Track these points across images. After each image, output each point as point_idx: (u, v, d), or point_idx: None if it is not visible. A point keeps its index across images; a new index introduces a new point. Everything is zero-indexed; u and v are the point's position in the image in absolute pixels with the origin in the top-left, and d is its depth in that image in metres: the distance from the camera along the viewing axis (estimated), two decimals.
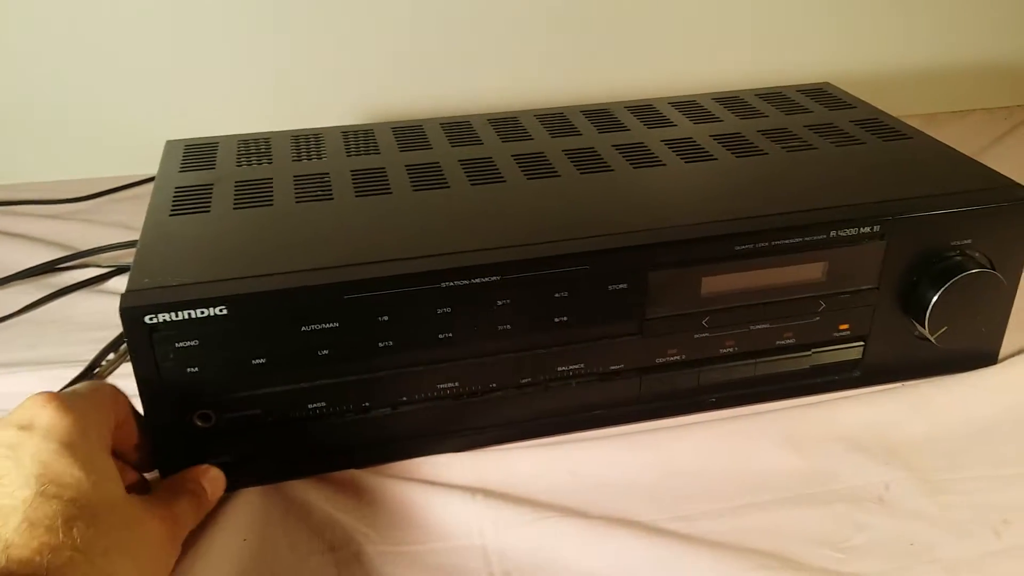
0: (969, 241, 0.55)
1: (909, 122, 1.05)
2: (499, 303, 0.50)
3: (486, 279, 0.49)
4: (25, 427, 0.40)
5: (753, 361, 0.56)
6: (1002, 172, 0.89)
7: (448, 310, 0.49)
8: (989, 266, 0.55)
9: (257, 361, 0.48)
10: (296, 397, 0.50)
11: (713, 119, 0.70)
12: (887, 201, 0.54)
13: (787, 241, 0.52)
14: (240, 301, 0.46)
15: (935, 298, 0.54)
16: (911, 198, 0.55)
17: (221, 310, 0.46)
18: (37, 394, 0.42)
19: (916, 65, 1.05)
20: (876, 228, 0.53)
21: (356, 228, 0.54)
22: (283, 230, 0.54)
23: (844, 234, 0.53)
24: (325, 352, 0.49)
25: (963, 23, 1.04)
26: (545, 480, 0.53)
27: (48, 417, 0.40)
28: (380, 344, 0.49)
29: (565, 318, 0.52)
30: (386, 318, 0.49)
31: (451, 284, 0.49)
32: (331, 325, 0.48)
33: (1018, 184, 0.57)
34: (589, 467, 0.54)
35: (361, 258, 0.49)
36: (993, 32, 1.05)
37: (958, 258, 0.55)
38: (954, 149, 0.63)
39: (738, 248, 0.52)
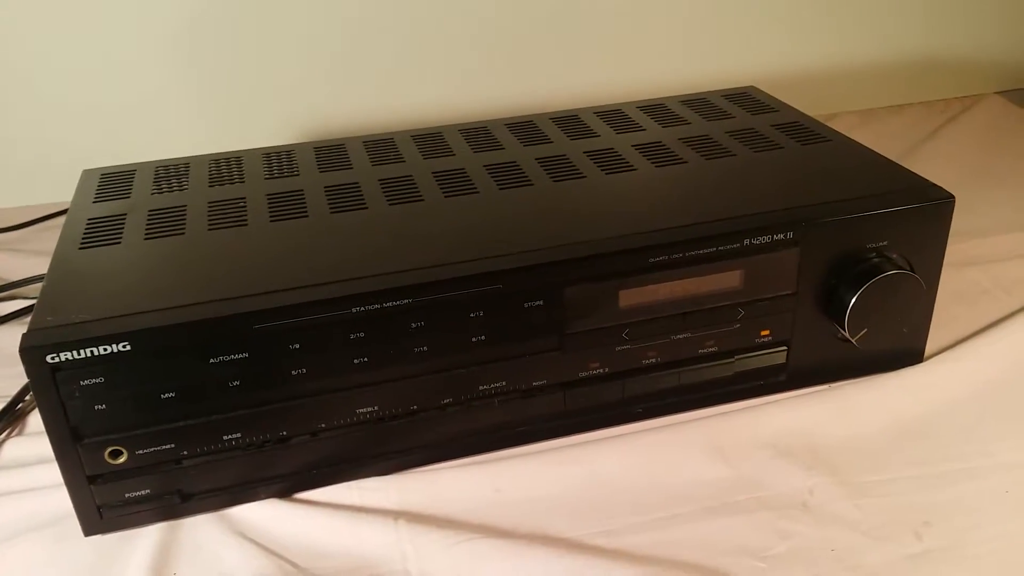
0: (885, 243, 0.55)
1: (846, 119, 1.07)
2: (413, 325, 0.50)
3: (398, 303, 0.49)
4: None
5: (676, 371, 0.56)
6: (936, 165, 0.92)
7: (361, 335, 0.49)
8: (907, 267, 0.56)
9: (166, 396, 0.48)
10: (210, 429, 0.49)
11: (636, 128, 0.70)
12: (800, 207, 0.54)
13: (702, 251, 0.52)
14: (143, 336, 0.46)
15: (853, 301, 0.54)
16: (823, 203, 0.55)
17: (124, 346, 0.46)
18: None
19: (851, 62, 1.06)
20: (789, 235, 0.53)
21: (268, 254, 0.53)
22: (193, 259, 0.53)
23: (758, 242, 0.53)
24: (236, 383, 0.48)
25: (897, 18, 1.05)
26: (470, 500, 0.52)
27: None
28: (294, 372, 0.49)
29: (483, 337, 0.51)
30: (298, 346, 0.48)
31: (362, 309, 0.48)
32: (240, 356, 0.47)
33: (932, 184, 0.57)
34: (514, 485, 0.53)
35: (270, 286, 0.49)
36: (928, 26, 1.06)
37: (875, 260, 0.55)
38: (872, 151, 0.63)
39: (653, 260, 0.52)
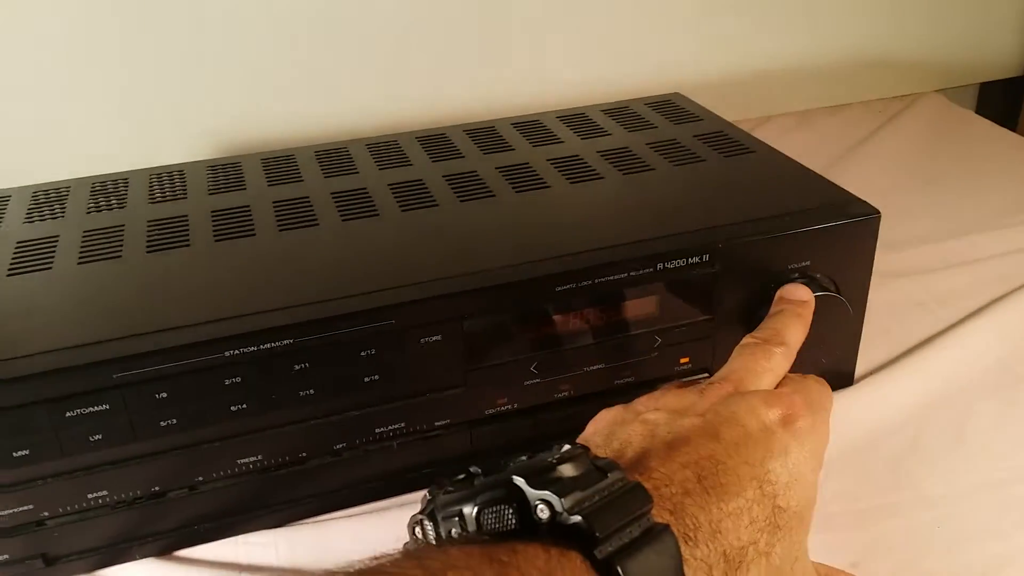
0: (807, 263, 0.52)
1: (782, 121, 1.04)
2: (296, 367, 0.45)
3: (277, 344, 0.44)
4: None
5: (593, 404, 0.52)
6: (873, 168, 0.90)
7: (238, 380, 0.45)
8: (832, 288, 0.53)
9: (19, 454, 0.43)
10: (73, 488, 0.45)
11: (554, 140, 0.66)
12: (716, 227, 0.51)
13: (612, 278, 0.49)
14: None
15: None
16: (740, 223, 0.51)
17: None
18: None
19: (787, 63, 1.03)
20: (706, 257, 0.50)
21: (137, 291, 0.48)
22: (56, 299, 0.48)
23: (672, 266, 0.49)
24: (98, 437, 0.44)
25: (833, 16, 1.02)
26: (369, 551, 0.48)
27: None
28: (162, 423, 0.44)
29: (376, 377, 0.47)
30: (165, 395, 0.44)
31: (237, 352, 0.44)
32: (100, 408, 0.43)
33: (857, 199, 0.54)
34: None
35: (133, 329, 0.44)
36: (866, 24, 1.04)
37: (796, 282, 0.52)
38: (796, 163, 0.60)
39: (560, 289, 0.48)
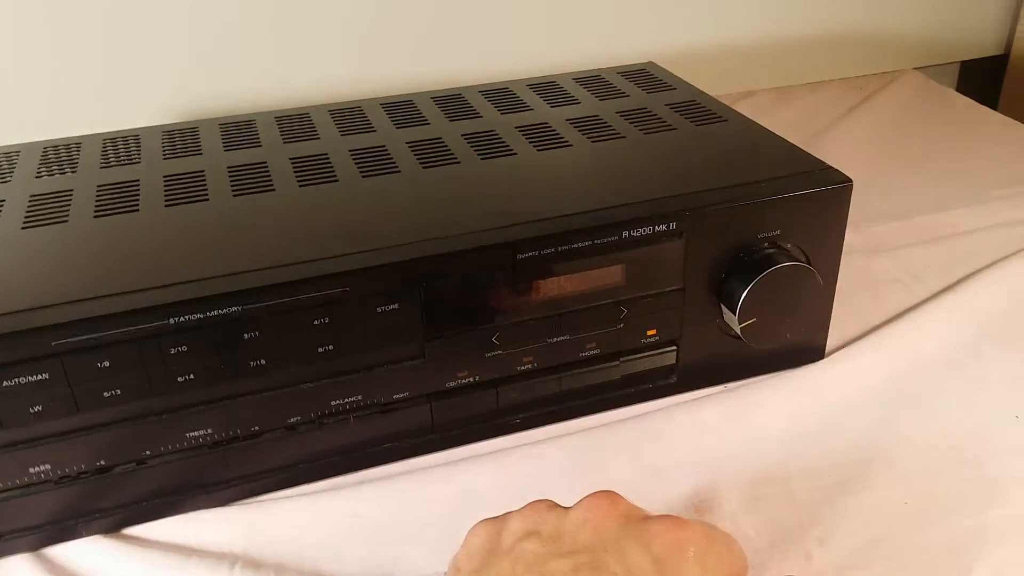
0: (778, 232, 0.51)
1: (762, 97, 1.03)
2: (247, 336, 0.43)
3: (224, 311, 0.42)
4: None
5: (556, 376, 0.51)
6: (851, 144, 0.88)
7: (183, 349, 0.43)
8: (802, 258, 0.51)
9: None
10: (13, 461, 0.43)
11: (523, 108, 0.64)
12: (683, 195, 0.49)
13: (575, 245, 0.47)
14: None
15: (744, 296, 0.49)
16: (708, 190, 0.50)
17: None
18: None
19: (767, 38, 1.02)
20: (673, 225, 0.48)
21: (82, 257, 0.46)
22: None
23: (638, 234, 0.48)
24: (37, 408, 0.42)
25: None
26: (324, 527, 0.47)
27: None
28: (105, 394, 0.42)
29: (331, 347, 0.45)
30: (107, 364, 0.42)
31: (182, 320, 0.42)
32: (39, 377, 0.41)
33: (829, 168, 0.53)
34: (375, 509, 0.48)
35: (73, 295, 0.42)
36: (847, 1, 1.02)
37: (767, 251, 0.50)
38: (770, 132, 0.58)
39: (521, 256, 0.46)
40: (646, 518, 0.36)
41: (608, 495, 0.36)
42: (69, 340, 0.41)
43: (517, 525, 0.36)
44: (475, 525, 0.38)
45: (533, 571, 0.34)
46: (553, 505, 0.37)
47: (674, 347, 0.52)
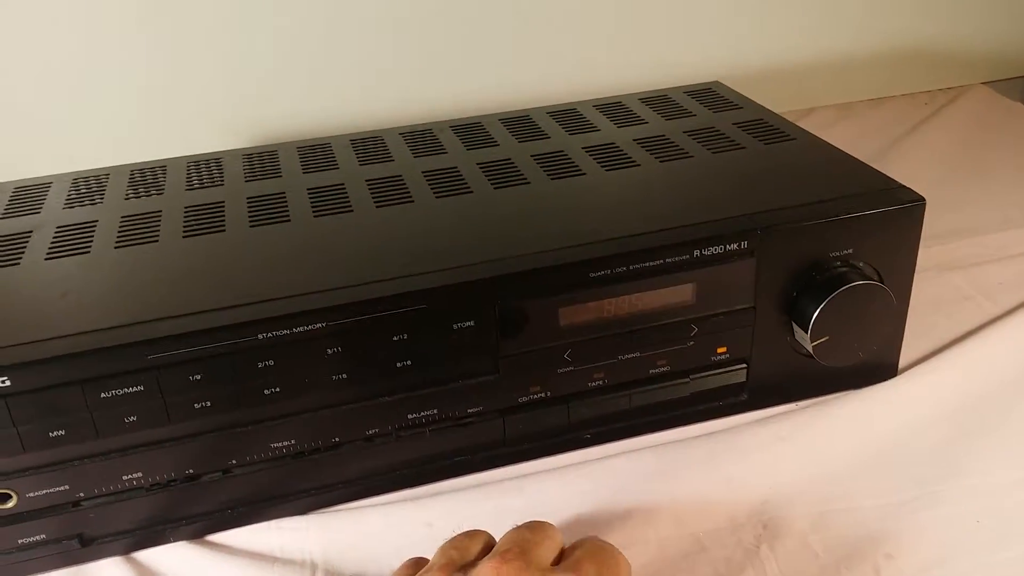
0: (850, 251, 0.51)
1: (823, 114, 1.02)
2: (329, 351, 0.45)
3: (309, 327, 0.44)
4: None
5: (627, 392, 0.51)
6: (918, 161, 0.88)
7: (270, 363, 0.44)
8: (875, 277, 0.51)
9: (55, 434, 0.43)
10: (107, 468, 0.45)
11: (590, 128, 0.65)
12: (756, 213, 0.50)
13: (647, 264, 0.48)
14: (23, 370, 0.41)
15: (816, 315, 0.50)
16: (779, 209, 0.50)
17: (3, 381, 0.41)
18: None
19: (829, 54, 1.01)
20: (744, 244, 0.49)
21: (172, 275, 0.48)
22: (90, 282, 0.48)
23: (709, 253, 0.48)
24: (132, 419, 0.44)
25: (877, 6, 1.00)
26: (399, 537, 0.48)
27: None
28: (196, 406, 0.44)
29: (408, 362, 0.47)
30: (199, 377, 0.44)
31: (269, 335, 0.44)
32: (135, 390, 0.43)
33: (902, 186, 0.53)
34: (448, 520, 0.49)
35: (166, 311, 0.44)
36: (910, 14, 1.01)
37: (839, 270, 0.50)
38: (838, 150, 0.59)
39: (594, 275, 0.47)
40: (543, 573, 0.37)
41: (506, 558, 0.37)
42: (163, 355, 0.43)
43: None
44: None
45: None
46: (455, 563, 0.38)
47: (744, 365, 0.53)
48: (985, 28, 1.05)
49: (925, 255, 0.53)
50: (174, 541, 0.48)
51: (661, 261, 0.48)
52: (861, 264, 0.51)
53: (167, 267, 0.49)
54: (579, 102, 0.71)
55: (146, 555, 0.48)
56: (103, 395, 0.43)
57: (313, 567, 0.46)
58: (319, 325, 0.44)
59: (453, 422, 0.49)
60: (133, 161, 0.65)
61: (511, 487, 0.51)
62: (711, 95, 0.71)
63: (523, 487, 0.51)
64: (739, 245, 0.49)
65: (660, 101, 0.70)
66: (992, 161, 0.87)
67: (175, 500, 0.47)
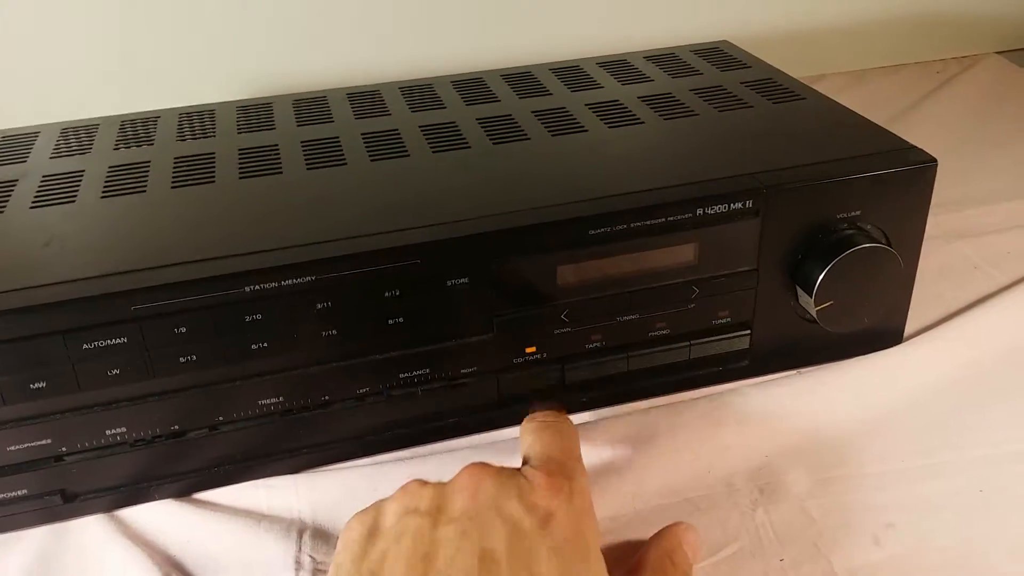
0: (858, 213, 0.49)
1: (835, 80, 1.00)
2: (319, 306, 0.44)
3: (298, 280, 0.43)
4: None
5: (624, 355, 0.50)
6: (930, 129, 0.86)
7: (258, 317, 0.43)
8: (883, 240, 0.50)
9: (36, 385, 0.42)
10: (91, 423, 0.44)
11: (594, 86, 0.63)
12: (760, 172, 0.48)
13: (648, 222, 0.46)
14: (3, 318, 0.40)
15: (821, 278, 0.48)
16: (786, 168, 0.49)
17: None
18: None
19: (841, 20, 0.99)
20: (749, 203, 0.47)
21: (159, 226, 0.47)
22: (74, 232, 0.47)
23: (713, 211, 0.47)
24: (116, 372, 0.42)
25: None
26: None
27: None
28: (181, 359, 0.43)
29: (400, 319, 0.45)
30: (184, 330, 0.42)
31: (257, 288, 0.42)
32: (118, 341, 0.42)
33: (913, 147, 0.51)
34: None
35: (151, 262, 0.43)
36: None
37: (846, 232, 0.49)
38: (849, 110, 0.57)
39: (592, 232, 0.46)
40: (516, 471, 0.37)
41: (478, 463, 0.38)
42: (147, 305, 0.41)
43: (393, 507, 0.37)
44: (348, 521, 0.38)
45: (419, 543, 0.34)
46: (424, 483, 0.38)
47: (747, 330, 0.51)
48: None
49: (933, 223, 0.52)
50: (159, 499, 0.47)
51: (663, 219, 0.46)
52: (869, 227, 0.50)
53: (153, 218, 0.48)
54: (583, 59, 0.69)
55: (130, 512, 0.47)
56: (85, 346, 0.41)
57: (302, 526, 0.45)
58: (308, 279, 0.43)
59: (446, 382, 0.48)
60: (126, 111, 0.63)
61: (504, 449, 0.50)
62: (719, 54, 0.69)
63: (517, 450, 0.50)
64: (744, 204, 0.47)
65: (667, 59, 0.68)
66: (1004, 131, 0.85)
67: (160, 457, 0.46)
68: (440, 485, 0.37)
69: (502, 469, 0.37)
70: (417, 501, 0.36)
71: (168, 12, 0.77)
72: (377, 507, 0.37)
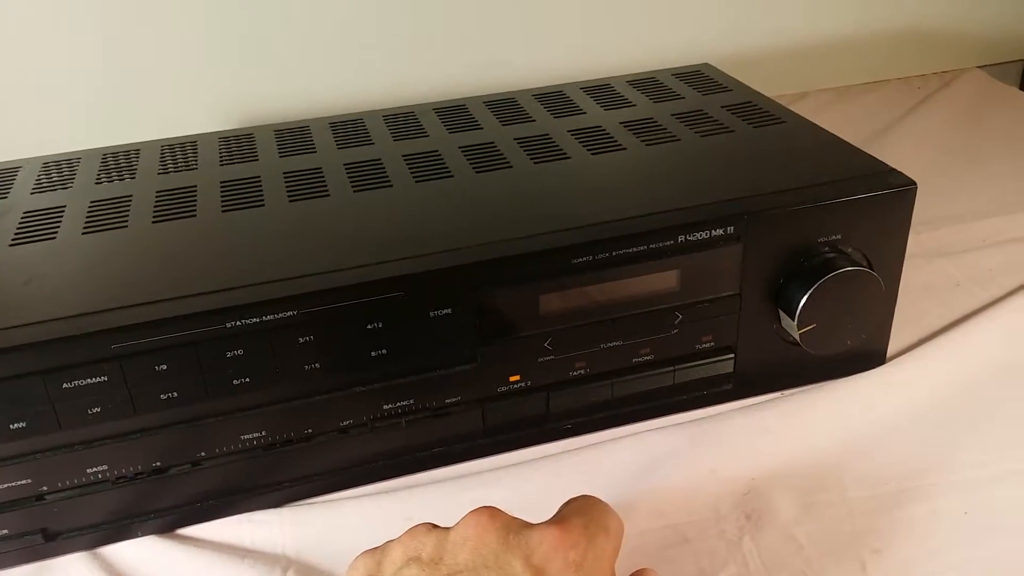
0: (839, 236, 0.49)
1: (818, 97, 1.01)
2: (301, 340, 0.44)
3: (280, 315, 0.43)
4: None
5: (609, 382, 0.50)
6: (912, 145, 0.86)
7: (240, 352, 0.43)
8: (864, 263, 0.50)
9: (16, 426, 0.42)
10: (71, 462, 0.43)
11: (576, 111, 0.64)
12: (741, 198, 0.48)
13: (630, 250, 0.46)
14: None
15: (802, 302, 0.48)
16: (767, 193, 0.49)
17: None
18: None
19: (823, 37, 1.00)
20: (730, 229, 0.47)
21: (140, 262, 0.47)
22: (58, 268, 0.47)
23: (695, 238, 0.47)
24: (96, 410, 0.42)
25: None
26: (376, 531, 0.46)
27: None
28: (162, 396, 0.43)
29: (384, 351, 0.45)
30: (164, 367, 0.42)
31: (239, 324, 0.42)
32: (98, 380, 0.42)
33: (892, 170, 0.51)
34: (426, 513, 0.47)
35: (131, 299, 0.43)
36: None
37: (827, 256, 0.49)
38: (829, 133, 0.57)
39: (575, 261, 0.46)
40: (526, 527, 0.36)
41: (487, 510, 0.36)
42: (128, 344, 0.41)
43: (397, 553, 0.36)
44: (354, 560, 0.37)
45: None
46: (432, 527, 0.37)
47: (730, 354, 0.51)
48: (981, 11, 1.03)
49: (915, 241, 0.52)
50: (142, 535, 0.47)
51: (645, 247, 0.46)
52: (850, 250, 0.50)
53: (134, 254, 0.48)
54: (566, 84, 0.69)
55: (113, 550, 0.46)
56: (65, 386, 0.41)
57: (287, 562, 0.45)
58: (290, 313, 0.43)
59: (430, 412, 0.48)
60: (107, 144, 0.63)
61: (491, 478, 0.50)
62: (700, 77, 0.69)
63: (502, 478, 0.50)
64: (725, 230, 0.47)
65: (648, 83, 0.68)
66: (985, 147, 0.86)
67: (142, 493, 0.45)
68: (445, 532, 0.36)
69: (511, 522, 0.36)
70: (420, 548, 0.36)
71: (150, 42, 0.77)
72: (383, 549, 0.37)
